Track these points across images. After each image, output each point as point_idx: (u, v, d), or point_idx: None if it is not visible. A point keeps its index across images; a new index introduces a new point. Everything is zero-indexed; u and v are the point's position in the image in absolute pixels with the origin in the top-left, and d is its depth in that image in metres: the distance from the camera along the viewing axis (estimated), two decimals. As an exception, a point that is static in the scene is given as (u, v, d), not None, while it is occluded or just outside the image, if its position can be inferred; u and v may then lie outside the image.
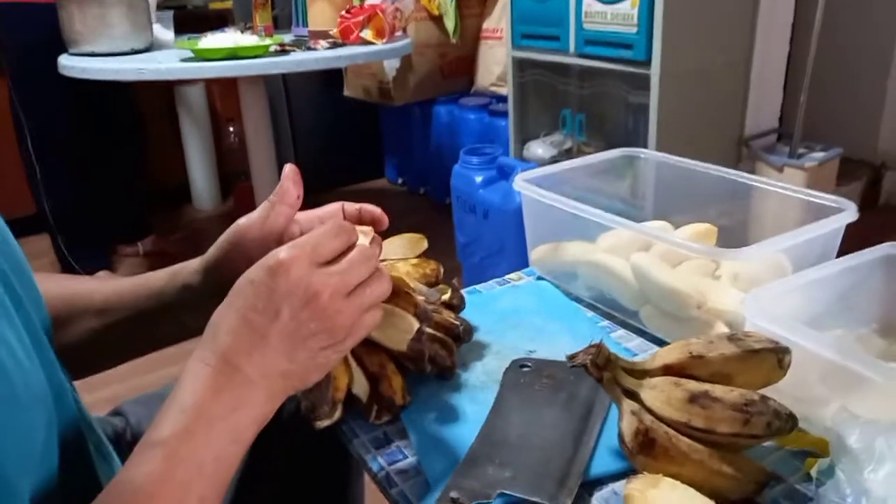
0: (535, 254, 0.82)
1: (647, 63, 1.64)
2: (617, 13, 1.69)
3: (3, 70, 2.09)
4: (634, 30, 1.65)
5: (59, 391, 0.42)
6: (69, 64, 1.72)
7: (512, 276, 0.83)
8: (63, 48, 1.87)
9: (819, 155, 1.77)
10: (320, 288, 0.40)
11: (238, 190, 2.79)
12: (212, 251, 0.52)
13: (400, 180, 3.04)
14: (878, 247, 0.61)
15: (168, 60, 1.68)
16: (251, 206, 0.52)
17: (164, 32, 2.08)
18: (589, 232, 0.73)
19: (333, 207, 0.55)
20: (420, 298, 0.57)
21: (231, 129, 2.87)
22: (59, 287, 0.55)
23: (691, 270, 0.68)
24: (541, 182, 0.78)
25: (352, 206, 0.55)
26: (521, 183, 0.77)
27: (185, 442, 0.38)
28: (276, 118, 2.59)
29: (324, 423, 0.53)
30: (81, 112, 2.12)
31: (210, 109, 2.86)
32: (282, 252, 0.41)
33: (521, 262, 0.86)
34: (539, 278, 0.82)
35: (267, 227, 0.50)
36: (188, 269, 0.53)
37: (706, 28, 1.69)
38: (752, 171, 1.82)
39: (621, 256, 0.71)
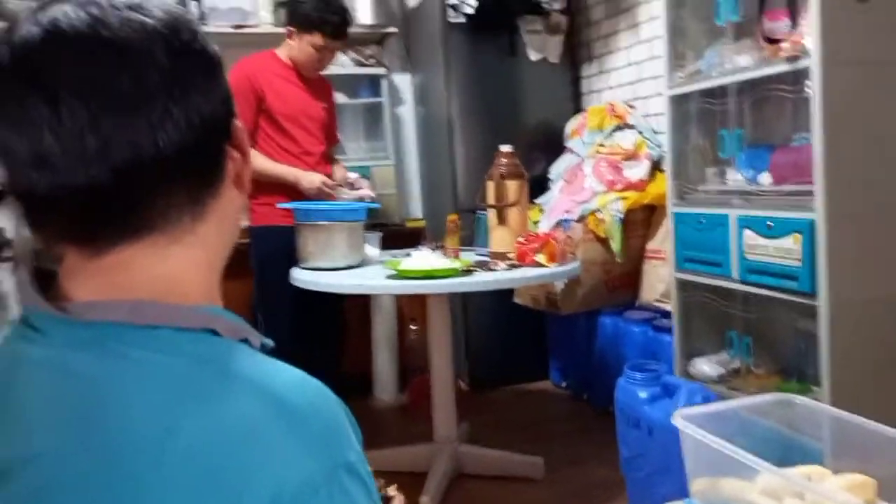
0: (695, 485, 0.90)
1: (813, 294, 1.70)
2: (780, 247, 1.79)
3: (250, 274, 2.63)
4: (798, 263, 1.73)
5: None
6: (302, 277, 2.15)
7: (674, 504, 0.91)
8: (294, 262, 2.33)
9: None
10: None
11: (414, 383, 3.06)
12: None
13: (564, 384, 3.14)
14: None
15: (377, 276, 2.05)
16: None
17: (372, 250, 2.52)
18: (746, 471, 0.81)
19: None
20: None
21: (413, 327, 3.23)
22: None
23: (849, 521, 0.73)
24: (700, 420, 0.88)
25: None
26: (681, 421, 0.88)
27: None
28: (453, 320, 2.89)
29: None
30: (300, 310, 2.56)
31: (397, 310, 3.26)
32: None
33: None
34: (700, 510, 0.89)
35: None
36: None
37: (874, 258, 1.72)
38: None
39: (777, 499, 0.77)
